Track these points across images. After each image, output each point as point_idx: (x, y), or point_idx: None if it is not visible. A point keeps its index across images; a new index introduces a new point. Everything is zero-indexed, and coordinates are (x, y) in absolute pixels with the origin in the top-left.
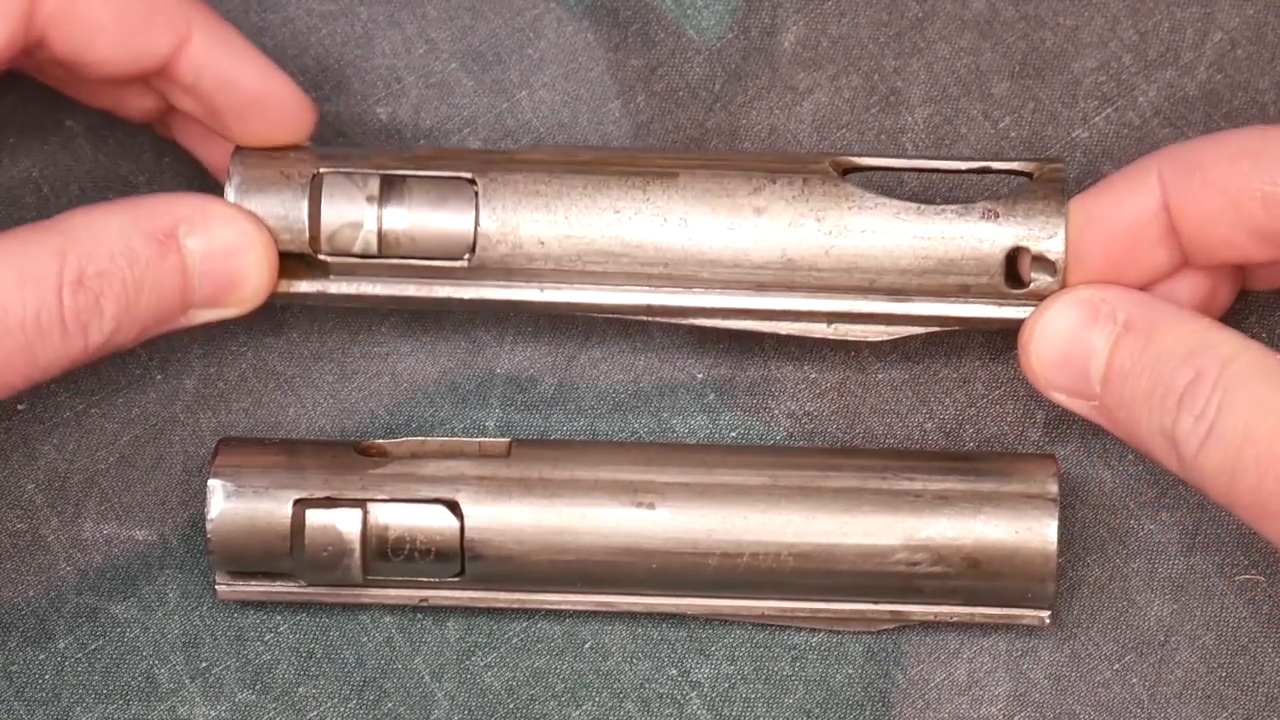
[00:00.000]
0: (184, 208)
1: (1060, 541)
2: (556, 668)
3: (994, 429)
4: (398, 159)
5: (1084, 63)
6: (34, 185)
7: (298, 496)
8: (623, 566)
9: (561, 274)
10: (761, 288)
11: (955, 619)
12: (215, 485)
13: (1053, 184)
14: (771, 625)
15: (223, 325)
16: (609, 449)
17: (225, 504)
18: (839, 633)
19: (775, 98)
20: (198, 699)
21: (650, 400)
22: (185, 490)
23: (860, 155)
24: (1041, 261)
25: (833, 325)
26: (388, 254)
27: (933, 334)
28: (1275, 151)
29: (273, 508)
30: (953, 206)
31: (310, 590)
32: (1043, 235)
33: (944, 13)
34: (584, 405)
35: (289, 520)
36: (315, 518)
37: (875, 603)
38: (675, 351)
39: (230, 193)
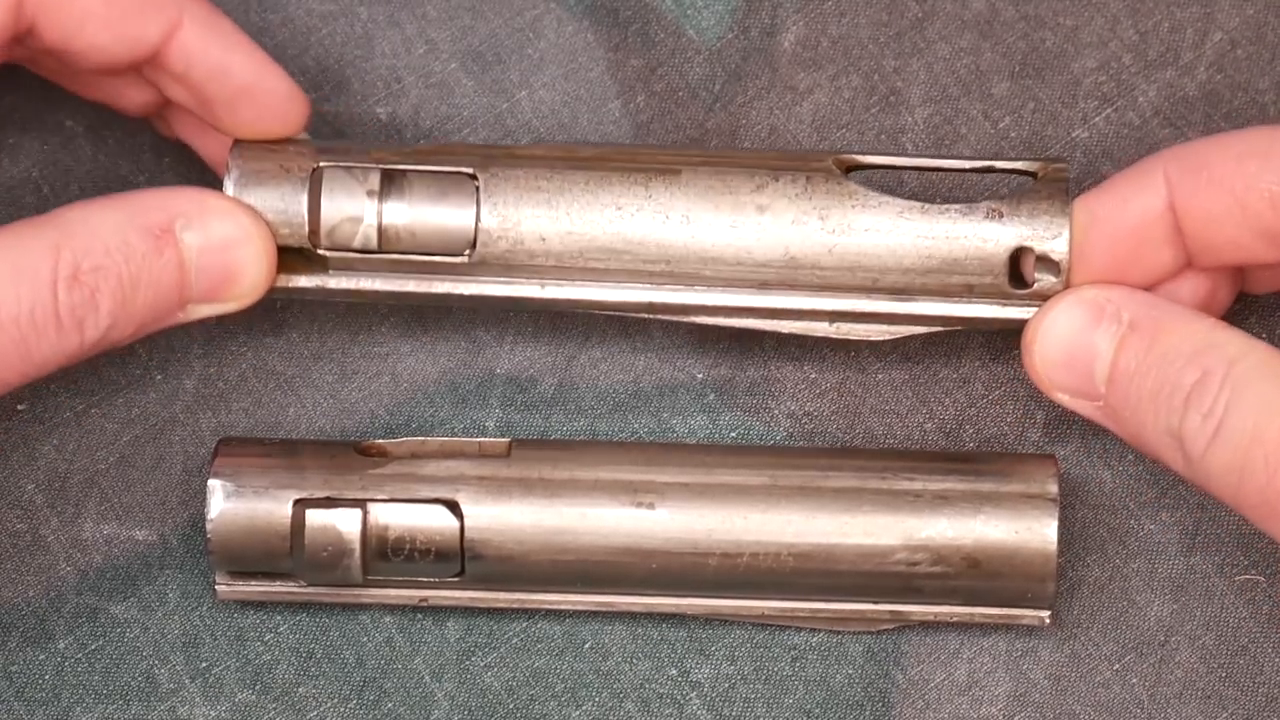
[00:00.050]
0: (181, 202)
1: (1060, 541)
2: (556, 668)
3: (994, 429)
4: (398, 153)
5: (1084, 63)
6: (34, 185)
7: (298, 496)
8: (623, 566)
9: (563, 271)
10: (764, 286)
11: (955, 619)
12: (215, 485)
13: (1057, 184)
14: (771, 625)
15: (223, 325)
16: (609, 449)
17: (225, 504)
18: (839, 633)
19: (775, 98)
20: (198, 699)
21: (650, 400)
22: (185, 490)
23: (863, 153)
24: (1045, 262)
25: (835, 324)
26: (388, 249)
27: (934, 334)
28: None
29: (273, 508)
30: (957, 206)
31: (310, 590)
32: (1047, 235)
33: (944, 13)
34: (584, 405)
35: (289, 520)
36: (315, 518)
37: (875, 603)
38: (675, 351)
39: (229, 186)
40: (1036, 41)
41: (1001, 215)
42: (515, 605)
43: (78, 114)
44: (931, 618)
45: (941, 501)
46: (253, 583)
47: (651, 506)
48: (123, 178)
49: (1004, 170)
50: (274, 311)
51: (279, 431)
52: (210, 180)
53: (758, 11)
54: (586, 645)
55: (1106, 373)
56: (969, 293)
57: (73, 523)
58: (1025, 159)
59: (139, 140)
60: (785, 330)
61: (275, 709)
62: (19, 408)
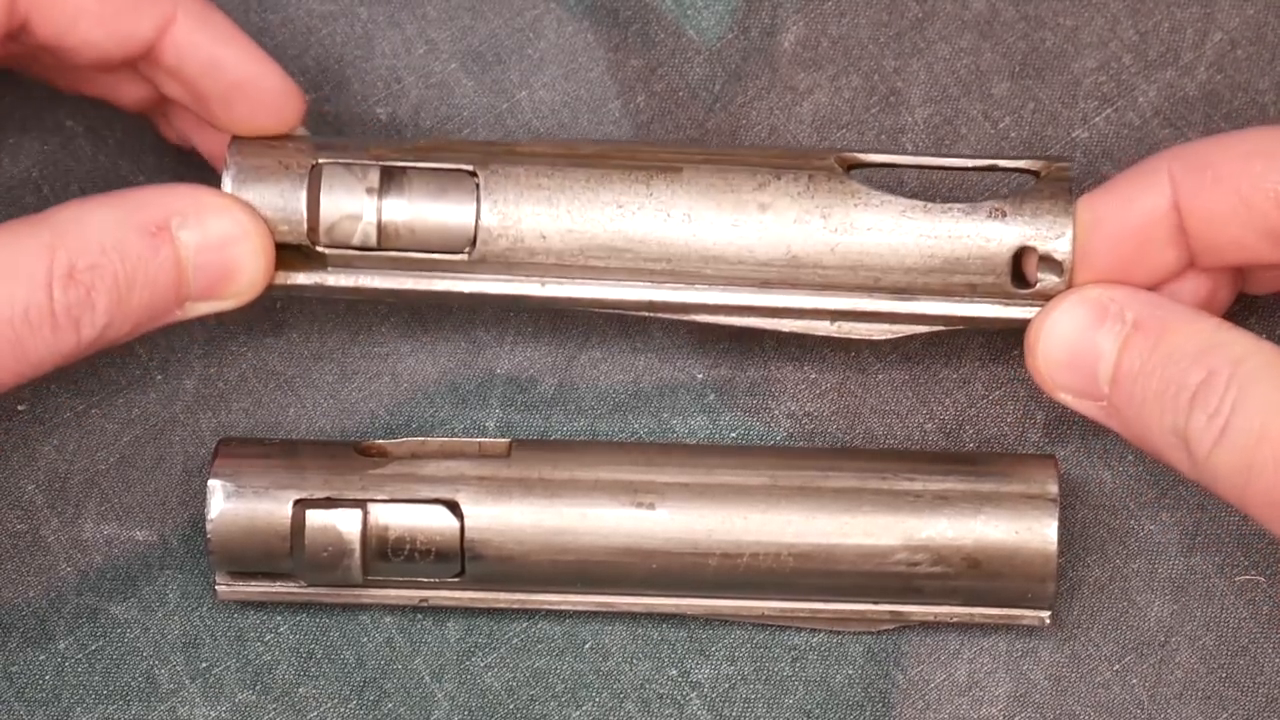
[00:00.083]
0: (177, 199)
1: (1060, 542)
2: (556, 668)
3: (994, 429)
4: (398, 150)
5: (1084, 63)
6: (34, 185)
7: (298, 497)
8: (623, 567)
9: (563, 269)
10: (765, 285)
11: (955, 619)
12: (215, 485)
13: (1060, 183)
14: (771, 625)
15: (223, 325)
16: (609, 449)
17: (225, 504)
18: (839, 633)
19: (775, 98)
20: (198, 699)
21: (650, 400)
22: (185, 490)
23: (865, 151)
24: (1048, 261)
25: (836, 323)
26: (387, 246)
27: (935, 334)
28: None
29: (273, 508)
30: (959, 205)
31: (310, 590)
32: (1050, 235)
33: (944, 13)
34: (584, 405)
35: (289, 520)
36: (315, 518)
37: (875, 603)
38: (675, 351)
39: (227, 182)
40: (1036, 41)
41: (1004, 215)
42: (515, 605)
43: (78, 114)
44: (931, 618)
45: (942, 502)
46: (253, 583)
47: (651, 507)
48: (123, 178)
49: (1007, 169)
50: (274, 312)
51: (279, 431)
52: (212, 180)
53: (758, 11)
54: (587, 645)
55: (1110, 373)
56: (971, 292)
57: (73, 523)
58: (1028, 158)
59: (139, 140)
60: (787, 329)
61: (275, 709)
62: (19, 408)
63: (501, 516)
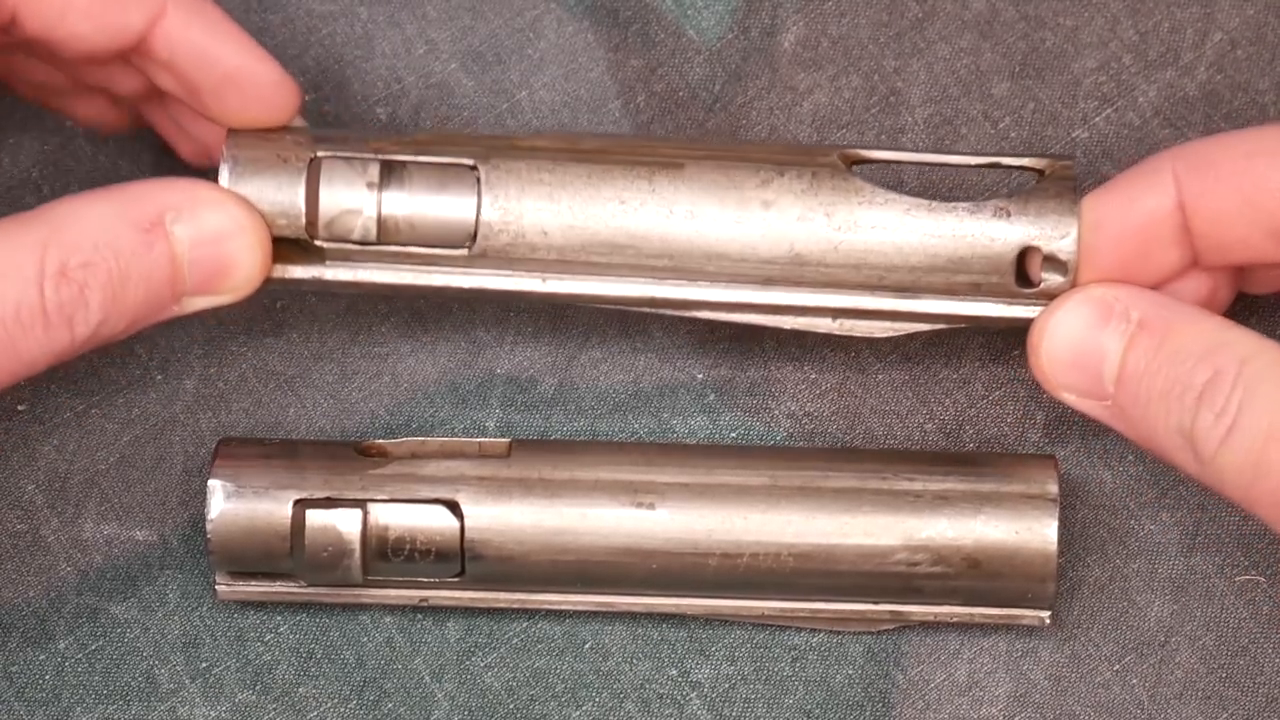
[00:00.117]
0: (171, 194)
1: (1060, 542)
2: (556, 668)
3: (994, 429)
4: (397, 143)
5: (1084, 63)
6: (34, 185)
7: (298, 497)
8: (623, 567)
9: (564, 265)
10: (768, 282)
11: (955, 619)
12: (215, 485)
13: (1064, 182)
14: (771, 625)
15: (223, 325)
16: (609, 449)
17: (225, 504)
18: (839, 633)
19: (775, 98)
20: (198, 699)
21: (650, 400)
22: (185, 490)
23: (868, 149)
24: (1052, 261)
25: (839, 321)
26: (387, 241)
27: (935, 334)
28: None
29: (273, 508)
30: (964, 204)
31: (310, 590)
32: (1055, 235)
33: (944, 13)
34: (584, 405)
35: (289, 520)
36: (315, 518)
37: (875, 603)
38: (675, 351)
39: (224, 176)
40: (1036, 41)
41: (1009, 214)
42: (515, 605)
43: None
44: (931, 618)
45: (942, 502)
46: (253, 583)
47: (651, 507)
48: (123, 178)
49: (1010, 167)
50: (274, 311)
51: (279, 431)
52: (212, 178)
53: (758, 11)
54: (587, 645)
55: (1115, 372)
56: (975, 291)
57: (73, 523)
58: (1031, 156)
59: (139, 141)
60: (789, 326)
61: (275, 709)
62: (19, 408)
63: (501, 516)
